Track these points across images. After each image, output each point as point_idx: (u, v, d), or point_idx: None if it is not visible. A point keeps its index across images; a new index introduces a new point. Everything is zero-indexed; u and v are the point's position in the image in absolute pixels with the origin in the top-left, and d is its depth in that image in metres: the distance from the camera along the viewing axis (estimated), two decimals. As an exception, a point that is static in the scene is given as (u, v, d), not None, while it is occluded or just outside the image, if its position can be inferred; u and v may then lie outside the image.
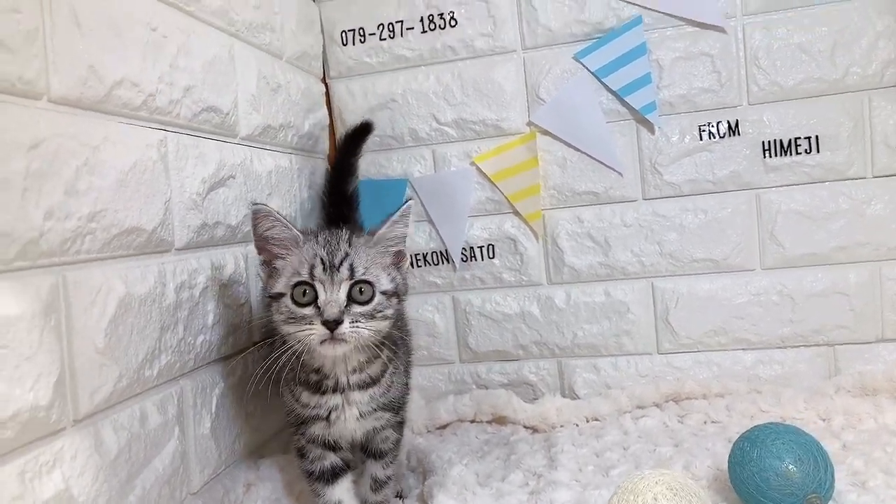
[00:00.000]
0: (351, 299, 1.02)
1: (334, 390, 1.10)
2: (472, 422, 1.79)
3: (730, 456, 1.19)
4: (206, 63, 1.26)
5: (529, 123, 1.82)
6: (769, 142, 1.70)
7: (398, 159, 1.91)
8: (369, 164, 1.92)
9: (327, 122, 1.90)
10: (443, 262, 1.91)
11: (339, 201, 1.63)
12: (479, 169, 1.85)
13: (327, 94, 1.93)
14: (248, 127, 1.43)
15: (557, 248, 1.83)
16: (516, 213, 1.85)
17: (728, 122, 1.72)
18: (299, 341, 1.02)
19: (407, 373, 1.29)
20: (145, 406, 1.06)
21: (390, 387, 1.17)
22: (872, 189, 1.66)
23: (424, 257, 1.91)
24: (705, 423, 1.64)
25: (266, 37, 1.53)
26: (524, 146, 1.81)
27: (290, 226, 1.07)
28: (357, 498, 1.21)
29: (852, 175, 1.67)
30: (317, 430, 1.14)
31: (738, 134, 1.72)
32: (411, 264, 1.90)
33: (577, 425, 1.71)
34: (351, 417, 1.12)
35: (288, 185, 1.60)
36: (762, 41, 1.68)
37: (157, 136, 1.12)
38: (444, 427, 1.78)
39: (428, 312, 1.93)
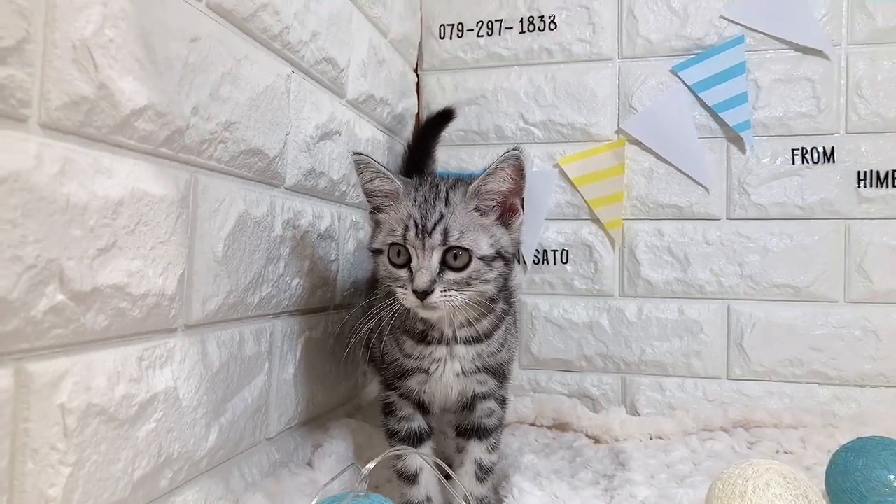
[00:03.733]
0: (445, 265, 0.95)
1: (439, 342, 1.05)
2: (532, 425, 1.73)
3: (829, 467, 1.13)
4: (331, 14, 1.28)
5: (618, 131, 1.82)
6: (865, 172, 1.68)
7: (480, 155, 1.91)
8: (450, 157, 1.92)
9: (416, 110, 1.91)
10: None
11: None
12: (561, 171, 1.85)
13: (418, 85, 1.95)
14: (354, 91, 1.44)
15: (634, 259, 1.80)
16: (595, 219, 1.83)
17: (823, 148, 1.70)
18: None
19: (516, 338, 1.20)
20: (244, 332, 1.04)
21: (502, 346, 1.09)
22: (970, 229, 1.62)
23: (495, 256, 1.89)
24: (777, 451, 1.57)
25: (378, 10, 1.56)
26: (611, 153, 1.81)
27: (391, 176, 1.00)
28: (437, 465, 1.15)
29: (949, 213, 1.64)
30: (414, 383, 1.08)
31: (833, 161, 1.70)
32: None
33: (640, 440, 1.65)
34: (450, 372, 1.06)
35: (380, 157, 1.61)
36: (866, 71, 1.68)
37: (286, 70, 1.13)
38: (502, 427, 1.72)
39: (492, 313, 1.89)
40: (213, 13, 0.93)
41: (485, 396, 1.12)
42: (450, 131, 1.91)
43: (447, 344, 1.05)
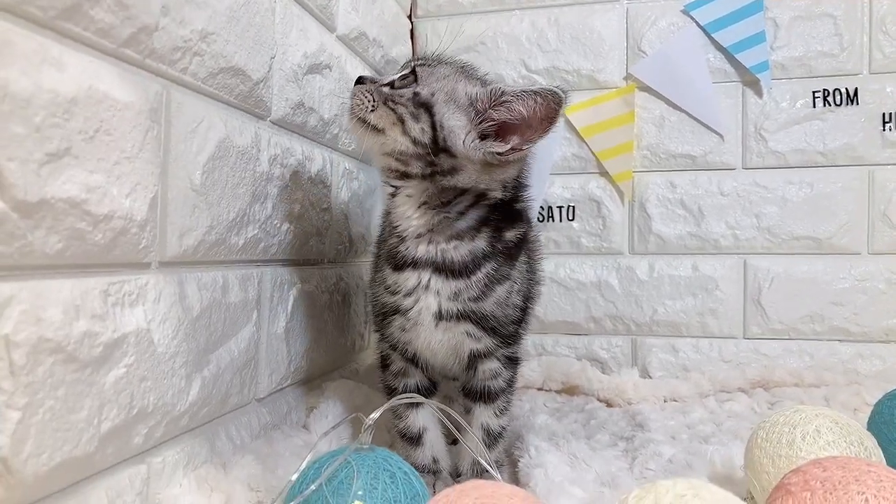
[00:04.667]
0: (392, 85, 0.92)
1: (406, 263, 0.91)
2: (540, 389, 1.63)
3: (873, 416, 1.04)
4: (319, -66, 1.16)
5: (627, 77, 1.71)
6: (890, 114, 1.57)
7: (479, 107, 1.79)
8: (448, 111, 1.80)
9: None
10: (515, 222, 1.78)
11: None
12: (567, 121, 1.73)
13: (412, 32, 1.82)
14: (346, 25, 1.32)
15: (645, 213, 1.70)
16: (603, 172, 1.72)
17: (846, 89, 1.59)
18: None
19: (528, 299, 1.06)
20: (228, 276, 0.92)
21: (485, 293, 0.91)
22: None
23: (497, 214, 1.78)
24: (801, 411, 1.48)
25: (369, -58, 1.44)
26: (620, 100, 1.69)
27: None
28: (442, 427, 1.03)
29: (980, 156, 1.54)
30: (395, 329, 0.95)
31: (856, 103, 1.59)
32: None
33: (655, 403, 1.55)
34: (428, 311, 0.90)
35: (374, 103, 1.49)
36: (891, 6, 1.57)
37: (269, -14, 1.01)
38: (507, 392, 1.62)
39: (494, 274, 1.78)
40: None
41: (484, 355, 0.97)
42: (446, 82, 1.79)
43: (415, 267, 0.91)
